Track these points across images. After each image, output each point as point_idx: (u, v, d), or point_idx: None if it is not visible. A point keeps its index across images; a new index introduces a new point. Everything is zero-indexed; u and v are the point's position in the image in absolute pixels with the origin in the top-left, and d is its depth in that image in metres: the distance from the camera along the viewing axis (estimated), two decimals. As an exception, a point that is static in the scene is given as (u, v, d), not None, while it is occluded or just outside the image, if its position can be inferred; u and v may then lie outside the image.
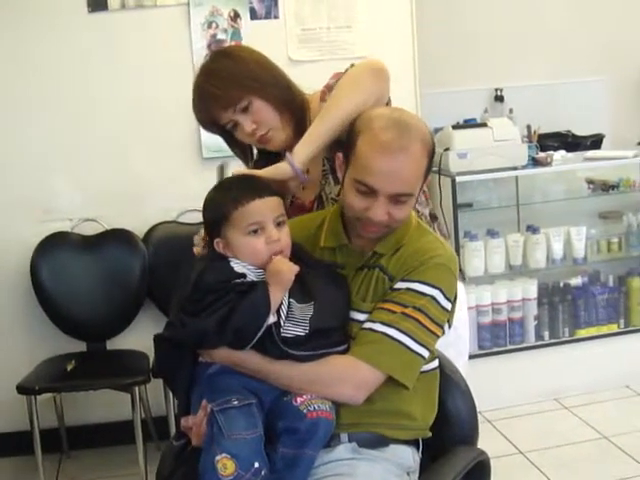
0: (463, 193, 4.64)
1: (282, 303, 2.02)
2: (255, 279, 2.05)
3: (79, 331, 4.27)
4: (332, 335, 2.10)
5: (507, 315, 4.72)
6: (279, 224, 2.11)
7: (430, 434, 2.24)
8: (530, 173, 4.80)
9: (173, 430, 4.03)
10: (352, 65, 2.49)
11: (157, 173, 4.34)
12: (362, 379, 2.08)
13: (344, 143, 2.21)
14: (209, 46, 4.24)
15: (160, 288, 4.26)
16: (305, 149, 2.29)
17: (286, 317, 2.02)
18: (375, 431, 2.12)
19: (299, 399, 2.01)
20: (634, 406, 4.58)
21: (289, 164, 2.25)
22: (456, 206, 4.55)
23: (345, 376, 2.08)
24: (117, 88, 4.27)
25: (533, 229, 4.79)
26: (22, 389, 3.83)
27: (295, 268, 2.05)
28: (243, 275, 2.05)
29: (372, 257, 2.20)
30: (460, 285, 2.35)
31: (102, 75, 4.26)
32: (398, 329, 2.09)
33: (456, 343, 2.64)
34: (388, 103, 2.43)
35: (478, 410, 2.41)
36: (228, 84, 2.42)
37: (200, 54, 4.17)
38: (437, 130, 4.78)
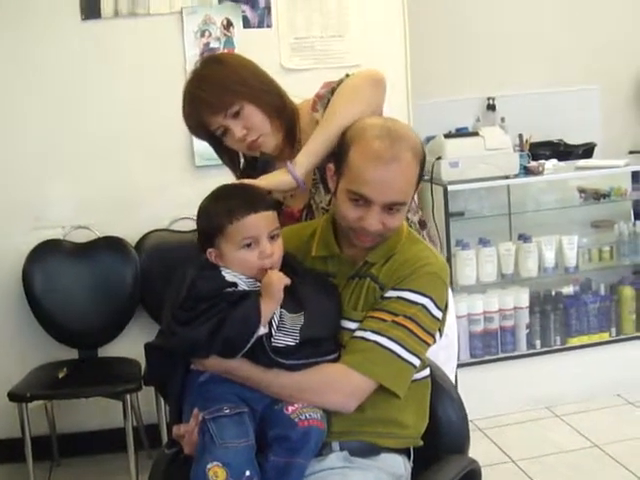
0: (455, 202, 4.64)
1: (274, 314, 2.02)
2: (247, 288, 2.06)
3: (71, 338, 4.26)
4: (323, 344, 2.10)
5: (499, 323, 4.72)
6: (273, 237, 2.11)
7: (421, 443, 2.24)
8: (522, 182, 4.81)
9: (165, 438, 4.02)
10: (347, 75, 2.49)
11: (150, 181, 4.34)
12: (353, 387, 2.08)
13: (335, 154, 2.22)
14: (202, 54, 4.22)
15: (152, 296, 4.26)
16: (307, 159, 2.31)
17: (277, 327, 2.02)
18: (366, 440, 2.13)
19: (290, 408, 2.01)
20: (626, 414, 4.58)
21: (291, 175, 2.26)
22: (448, 215, 4.55)
23: (336, 384, 2.08)
24: (110, 96, 4.27)
25: (525, 238, 4.80)
26: (13, 396, 3.83)
27: (285, 280, 2.05)
28: (234, 284, 2.05)
29: (363, 266, 2.20)
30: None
31: (95, 83, 4.25)
32: (389, 337, 2.09)
33: (446, 347, 2.64)
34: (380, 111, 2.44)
35: (470, 418, 2.41)
36: (219, 89, 2.42)
37: (193, 62, 4.17)
38: (429, 139, 4.79)
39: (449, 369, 2.58)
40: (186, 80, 2.52)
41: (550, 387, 4.73)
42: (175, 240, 4.29)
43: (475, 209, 4.89)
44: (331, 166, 2.22)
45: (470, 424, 2.42)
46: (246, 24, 4.35)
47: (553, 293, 4.87)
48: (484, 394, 4.43)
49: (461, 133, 5.08)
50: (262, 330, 1.99)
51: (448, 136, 4.82)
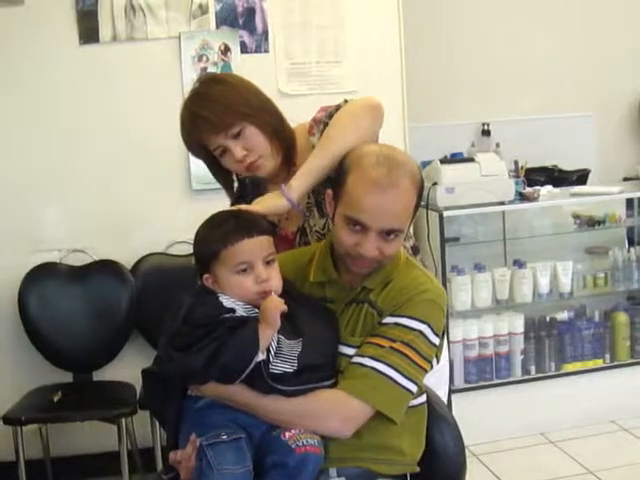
0: (450, 227, 4.66)
1: (271, 340, 2.02)
2: (244, 314, 2.05)
3: (66, 362, 4.25)
4: (320, 370, 2.10)
5: (493, 349, 4.72)
6: (268, 262, 2.11)
7: (418, 469, 2.24)
8: (517, 208, 4.83)
9: (159, 462, 4.01)
10: (345, 100, 2.50)
11: (146, 204, 4.34)
12: (350, 413, 2.08)
13: (333, 179, 2.23)
14: (199, 79, 4.27)
15: (148, 320, 4.25)
16: (301, 183, 2.31)
17: (275, 354, 2.02)
18: (363, 466, 2.13)
19: (287, 434, 2.01)
20: (620, 441, 4.58)
21: (285, 197, 2.27)
22: (443, 240, 4.56)
23: (333, 410, 2.09)
24: (107, 120, 4.28)
25: (520, 264, 4.80)
26: (8, 420, 3.82)
27: (282, 307, 2.05)
28: (232, 310, 2.05)
29: (361, 292, 2.21)
30: None
31: (92, 107, 4.27)
32: (386, 364, 2.10)
33: (437, 371, 2.64)
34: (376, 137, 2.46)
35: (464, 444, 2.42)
36: (222, 109, 2.41)
37: (190, 87, 4.18)
38: (424, 164, 4.80)
39: (441, 394, 2.58)
40: (185, 98, 2.51)
41: (544, 413, 4.73)
42: (171, 264, 4.29)
43: (470, 235, 4.90)
44: (329, 192, 2.23)
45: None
46: (243, 49, 4.37)
47: (548, 319, 4.87)
48: (478, 420, 4.42)
49: (457, 159, 5.10)
50: (260, 356, 1.99)
51: (444, 162, 4.83)
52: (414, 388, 2.14)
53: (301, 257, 2.35)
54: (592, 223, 4.96)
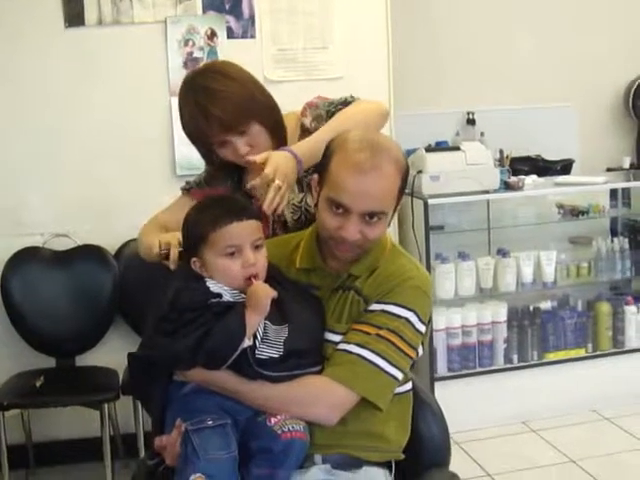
0: (435, 215, 4.65)
1: (258, 326, 2.02)
2: (231, 299, 2.05)
3: (48, 347, 4.23)
4: (306, 356, 2.10)
5: (477, 338, 4.73)
6: (257, 247, 2.11)
7: (403, 456, 2.25)
8: (502, 197, 4.83)
9: (142, 447, 4.01)
10: (351, 96, 2.55)
11: (130, 189, 4.31)
12: (336, 400, 2.09)
13: (318, 164, 2.24)
14: (185, 64, 4.25)
15: (131, 305, 4.23)
16: (305, 151, 2.34)
17: (261, 339, 2.02)
18: (348, 452, 2.13)
19: (273, 419, 2.01)
20: (601, 430, 4.60)
21: (289, 152, 2.31)
22: (428, 228, 4.56)
23: (319, 397, 2.09)
24: (92, 103, 4.25)
25: (504, 252, 4.82)
26: (-10, 404, 3.81)
27: (272, 293, 2.05)
28: (219, 295, 2.05)
29: (347, 279, 2.21)
30: None
31: (77, 90, 4.23)
32: (372, 351, 2.10)
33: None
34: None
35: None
36: (233, 108, 2.40)
37: (176, 71, 4.19)
38: (409, 152, 4.78)
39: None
40: (190, 90, 2.47)
41: (526, 402, 4.75)
42: (155, 249, 4.27)
43: (455, 223, 4.90)
44: (315, 176, 2.23)
45: (447, 438, 2.43)
46: (230, 34, 4.35)
47: (531, 308, 4.89)
48: (461, 408, 4.42)
49: (442, 147, 5.10)
50: (247, 342, 1.99)
51: (429, 150, 4.83)
52: (400, 375, 2.15)
53: (288, 243, 2.35)
54: (576, 213, 4.97)
